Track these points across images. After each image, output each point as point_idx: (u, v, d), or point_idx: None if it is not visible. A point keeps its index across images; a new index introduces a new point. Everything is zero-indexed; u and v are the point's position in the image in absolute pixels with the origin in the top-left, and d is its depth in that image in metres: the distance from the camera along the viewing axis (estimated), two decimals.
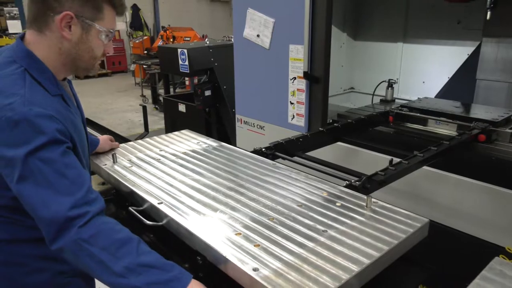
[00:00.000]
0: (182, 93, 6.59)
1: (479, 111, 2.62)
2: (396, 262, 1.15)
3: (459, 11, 3.12)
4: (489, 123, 2.32)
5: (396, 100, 3.43)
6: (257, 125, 3.20)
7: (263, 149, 1.93)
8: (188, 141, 1.94)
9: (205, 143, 1.92)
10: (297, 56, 2.72)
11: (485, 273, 1.06)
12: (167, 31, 10.04)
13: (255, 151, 1.91)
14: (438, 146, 1.94)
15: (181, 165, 1.63)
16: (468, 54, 3.17)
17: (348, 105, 3.75)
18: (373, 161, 2.44)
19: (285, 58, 2.82)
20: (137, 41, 12.70)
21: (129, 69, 12.66)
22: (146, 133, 2.84)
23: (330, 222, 1.17)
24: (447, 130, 2.49)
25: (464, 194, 2.12)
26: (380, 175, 1.62)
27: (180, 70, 4.60)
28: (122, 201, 1.56)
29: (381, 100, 3.44)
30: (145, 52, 10.75)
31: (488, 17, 2.48)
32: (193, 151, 1.81)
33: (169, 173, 1.55)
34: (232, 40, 3.51)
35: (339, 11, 3.65)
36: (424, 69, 3.48)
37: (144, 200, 1.34)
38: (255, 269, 0.96)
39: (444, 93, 3.31)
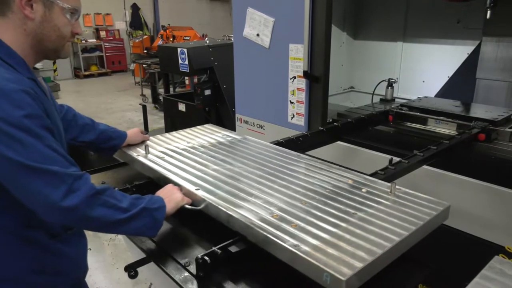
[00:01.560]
0: (182, 93, 6.60)
1: (479, 111, 2.62)
2: (396, 262, 1.15)
3: (459, 10, 3.12)
4: (489, 122, 2.33)
5: (396, 100, 3.43)
6: (257, 124, 3.20)
7: None
8: (213, 134, 2.04)
9: (229, 136, 2.02)
10: (297, 56, 2.72)
11: (485, 272, 1.07)
12: (167, 31, 10.03)
13: None
14: (438, 146, 1.94)
15: (211, 156, 1.73)
16: (468, 54, 3.17)
17: (348, 104, 3.75)
18: (372, 160, 2.44)
19: (285, 57, 2.82)
20: (137, 41, 12.69)
21: (129, 69, 12.65)
22: (146, 132, 2.84)
23: (358, 206, 1.25)
24: (447, 129, 2.49)
25: (464, 193, 2.12)
26: (380, 175, 1.62)
27: (180, 70, 4.61)
28: (155, 190, 1.55)
29: (381, 100, 3.44)
30: (145, 51, 10.74)
31: (488, 16, 2.48)
32: (220, 143, 1.91)
33: (200, 163, 1.65)
34: (232, 39, 3.51)
35: (339, 10, 3.65)
36: (424, 69, 3.47)
37: (181, 187, 1.42)
38: (295, 246, 1.04)
39: (444, 93, 3.31)
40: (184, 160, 1.67)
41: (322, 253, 1.00)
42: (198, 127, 2.18)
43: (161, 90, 8.57)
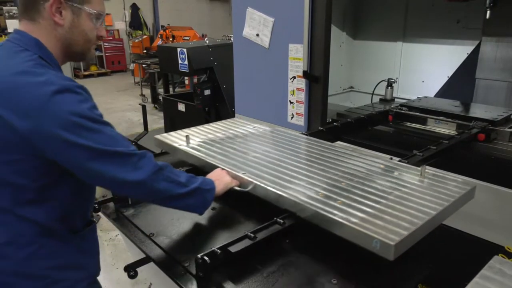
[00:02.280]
0: (182, 93, 6.59)
1: (478, 110, 2.62)
2: (395, 261, 1.16)
3: (458, 10, 3.12)
4: (489, 122, 2.33)
5: (396, 99, 3.43)
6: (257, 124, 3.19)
7: None
8: (244, 126, 2.16)
9: (260, 127, 2.14)
10: (297, 55, 2.72)
11: (484, 272, 1.07)
12: (167, 31, 10.02)
13: None
14: (437, 145, 1.94)
15: (247, 145, 1.84)
16: (467, 54, 3.17)
17: (348, 104, 3.75)
18: None
19: (285, 57, 2.81)
20: (136, 41, 12.68)
21: (128, 69, 12.64)
22: (146, 132, 2.84)
23: (394, 186, 1.37)
24: (446, 129, 2.49)
25: None
26: None
27: (180, 70, 4.60)
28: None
29: (380, 99, 3.44)
30: (145, 51, 10.74)
31: (487, 16, 2.48)
32: (252, 133, 2.03)
33: (239, 150, 1.76)
34: (232, 39, 3.50)
35: (339, 10, 3.65)
36: (423, 68, 3.47)
37: (228, 171, 1.53)
38: (343, 218, 1.15)
39: (443, 92, 3.31)
40: (223, 149, 1.79)
41: (369, 224, 1.12)
42: (228, 120, 2.30)
43: (160, 90, 8.57)
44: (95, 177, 1.14)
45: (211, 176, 1.48)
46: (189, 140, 1.86)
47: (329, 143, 1.88)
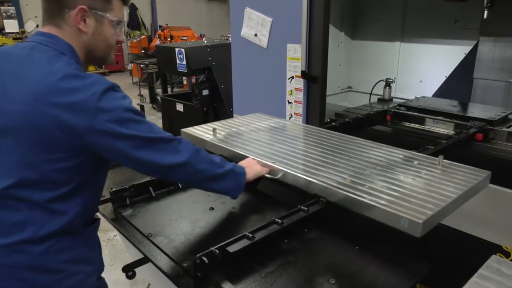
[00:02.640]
0: (180, 93, 6.58)
1: (476, 110, 2.63)
2: (393, 261, 1.16)
3: (456, 10, 3.12)
4: (486, 122, 2.33)
5: (394, 99, 3.43)
6: None
7: None
8: (265, 121, 2.24)
9: (281, 122, 2.23)
10: (295, 55, 2.72)
11: (482, 271, 1.07)
12: (165, 31, 10.01)
13: None
14: (435, 145, 1.94)
15: (271, 137, 1.94)
16: (465, 53, 3.18)
17: (346, 104, 3.75)
18: None
19: (283, 57, 2.82)
20: (134, 41, 12.66)
21: (126, 69, 12.62)
22: None
23: (414, 173, 1.46)
24: (444, 129, 2.50)
25: None
26: None
27: (178, 70, 4.60)
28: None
29: (378, 99, 3.44)
30: (143, 51, 10.72)
31: (485, 16, 2.48)
32: (274, 127, 2.11)
33: (265, 142, 1.86)
34: (230, 39, 3.50)
35: (337, 10, 3.65)
36: (421, 68, 3.48)
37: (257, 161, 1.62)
38: (372, 200, 1.25)
39: (441, 92, 3.32)
40: (250, 140, 1.89)
41: (397, 205, 1.22)
42: (250, 115, 2.39)
43: (159, 90, 8.56)
44: (144, 164, 1.23)
45: (242, 163, 1.57)
46: (216, 133, 1.94)
47: (350, 136, 1.95)
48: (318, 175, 1.47)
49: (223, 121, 2.22)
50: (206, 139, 1.92)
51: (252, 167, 1.55)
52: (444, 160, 1.56)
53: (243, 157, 1.66)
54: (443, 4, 3.00)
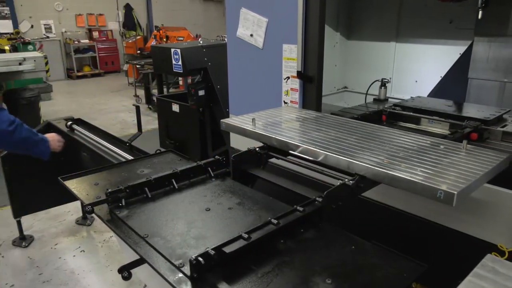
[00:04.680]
0: (176, 93, 6.56)
1: (471, 110, 2.64)
2: (389, 260, 1.16)
3: (451, 10, 3.14)
4: (481, 122, 2.34)
5: (389, 99, 3.44)
6: None
7: (257, 149, 1.93)
8: (296, 113, 2.35)
9: (310, 113, 2.33)
10: (291, 56, 2.72)
11: (477, 270, 1.07)
12: (160, 31, 9.99)
13: (248, 151, 1.91)
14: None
15: (306, 126, 2.07)
16: (460, 54, 3.19)
17: (342, 104, 3.76)
18: None
19: (279, 57, 2.82)
20: (130, 41, 12.64)
21: (122, 69, 12.58)
22: (140, 133, 2.82)
23: (443, 155, 1.59)
24: (439, 129, 2.50)
25: None
26: None
27: (174, 70, 4.58)
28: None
29: (374, 99, 3.45)
30: (138, 52, 10.70)
31: (479, 16, 2.49)
32: (305, 118, 2.22)
33: (301, 131, 2.00)
34: (226, 39, 3.50)
35: (332, 11, 3.66)
36: (416, 68, 3.49)
37: (298, 146, 1.76)
38: (410, 176, 1.37)
39: (436, 92, 3.33)
40: (287, 129, 2.03)
41: (432, 180, 1.34)
42: (282, 107, 2.54)
43: (154, 91, 8.54)
44: None
45: (47, 136, 2.34)
46: (255, 123, 2.05)
47: (377, 125, 2.08)
48: (357, 157, 1.59)
49: (256, 113, 2.31)
50: (247, 128, 2.03)
51: (54, 140, 2.41)
52: (467, 145, 1.69)
53: (285, 144, 1.81)
54: (438, 4, 3.02)
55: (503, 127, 2.34)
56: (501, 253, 1.83)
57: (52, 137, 2.55)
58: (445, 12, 3.18)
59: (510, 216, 1.87)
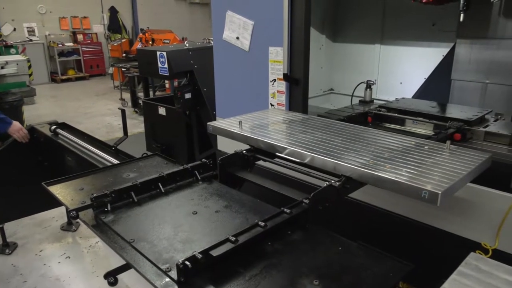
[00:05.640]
0: (162, 96, 6.53)
1: (454, 111, 2.68)
2: (375, 261, 1.17)
3: (434, 13, 3.19)
4: (464, 122, 2.38)
5: (375, 101, 3.47)
6: None
7: (244, 151, 1.93)
8: (283, 115, 2.38)
9: (297, 115, 2.36)
10: (277, 58, 2.73)
11: (461, 269, 1.09)
12: (146, 34, 9.92)
13: (235, 154, 1.91)
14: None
15: (293, 128, 2.09)
16: (443, 55, 3.24)
17: (328, 106, 3.78)
18: None
19: (265, 60, 2.82)
20: (115, 44, 12.50)
21: (107, 72, 12.46)
22: (125, 137, 2.80)
23: (427, 155, 1.63)
24: (424, 129, 2.54)
25: None
26: None
27: (160, 73, 4.56)
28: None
29: (360, 101, 3.48)
30: (124, 55, 10.60)
31: (461, 19, 2.54)
32: (292, 120, 2.25)
33: (288, 133, 2.03)
34: (212, 42, 3.49)
35: (318, 13, 3.69)
36: (401, 70, 3.54)
37: (285, 148, 1.79)
38: (395, 177, 1.40)
39: (420, 94, 3.37)
40: (274, 131, 2.06)
41: (417, 180, 1.37)
42: (269, 109, 2.60)
43: (140, 94, 8.47)
44: None
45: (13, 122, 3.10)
46: (242, 125, 2.06)
47: (363, 126, 2.12)
48: (343, 158, 1.62)
49: (243, 116, 2.33)
50: (234, 130, 2.04)
51: (16, 127, 3.16)
52: (451, 145, 1.73)
53: (275, 145, 1.84)
54: (421, 7, 3.06)
55: (485, 127, 2.38)
56: (485, 251, 1.86)
57: (16, 125, 3.20)
58: (428, 15, 3.23)
59: (493, 214, 1.90)
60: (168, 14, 14.90)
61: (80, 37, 13.30)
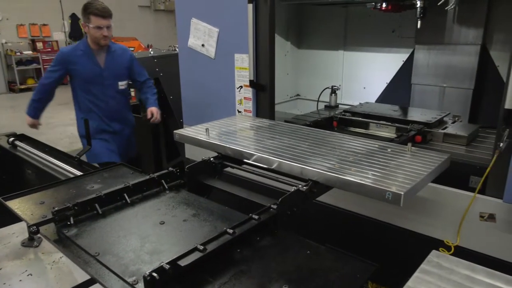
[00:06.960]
0: None
1: (415, 114, 2.78)
2: (342, 263, 1.19)
3: (393, 20, 3.31)
4: (424, 125, 2.48)
5: (340, 106, 3.56)
6: None
7: (211, 159, 1.92)
8: (250, 121, 2.44)
9: (264, 122, 2.42)
10: (243, 65, 2.75)
11: (423, 266, 1.13)
12: None
13: (203, 161, 1.89)
14: None
15: (260, 134, 2.14)
16: (403, 61, 3.37)
17: (295, 111, 3.83)
18: None
19: (231, 67, 2.83)
20: None
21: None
22: (89, 147, 2.71)
23: (390, 158, 1.70)
24: (387, 132, 2.62)
25: None
26: None
27: None
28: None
29: (325, 106, 3.55)
30: None
31: (418, 26, 2.65)
32: (259, 127, 2.30)
33: (255, 139, 2.07)
34: (177, 49, 3.47)
35: (282, 21, 3.74)
36: (364, 75, 3.64)
37: (252, 155, 1.82)
38: (360, 180, 1.46)
39: (383, 98, 3.48)
40: (241, 138, 2.09)
41: (381, 182, 1.43)
42: (236, 116, 2.69)
43: None
44: None
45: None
46: (208, 133, 2.08)
47: (328, 131, 2.19)
48: (310, 163, 1.66)
49: (210, 123, 2.36)
50: (201, 138, 2.06)
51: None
52: (412, 147, 1.81)
53: (242, 152, 1.85)
54: (381, 15, 3.17)
55: (444, 129, 2.49)
56: (448, 248, 1.93)
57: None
58: (387, 22, 3.35)
59: (453, 213, 1.98)
60: (132, 21, 14.66)
61: (39, 45, 12.85)
